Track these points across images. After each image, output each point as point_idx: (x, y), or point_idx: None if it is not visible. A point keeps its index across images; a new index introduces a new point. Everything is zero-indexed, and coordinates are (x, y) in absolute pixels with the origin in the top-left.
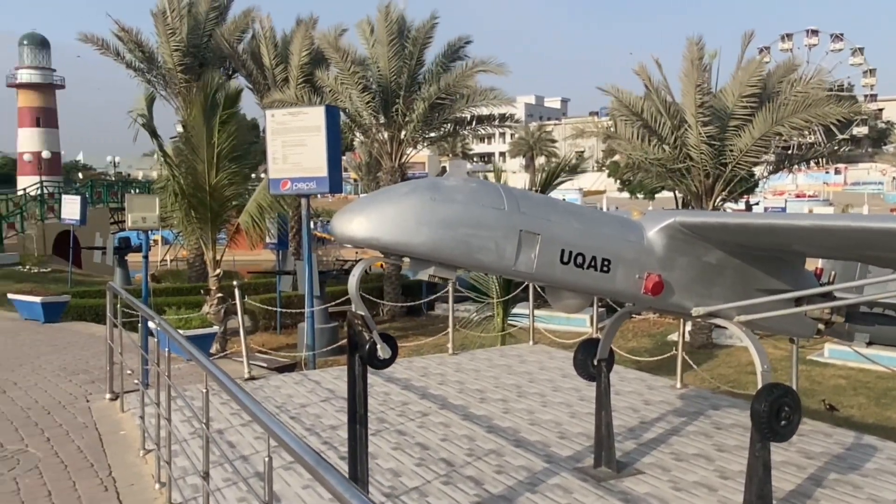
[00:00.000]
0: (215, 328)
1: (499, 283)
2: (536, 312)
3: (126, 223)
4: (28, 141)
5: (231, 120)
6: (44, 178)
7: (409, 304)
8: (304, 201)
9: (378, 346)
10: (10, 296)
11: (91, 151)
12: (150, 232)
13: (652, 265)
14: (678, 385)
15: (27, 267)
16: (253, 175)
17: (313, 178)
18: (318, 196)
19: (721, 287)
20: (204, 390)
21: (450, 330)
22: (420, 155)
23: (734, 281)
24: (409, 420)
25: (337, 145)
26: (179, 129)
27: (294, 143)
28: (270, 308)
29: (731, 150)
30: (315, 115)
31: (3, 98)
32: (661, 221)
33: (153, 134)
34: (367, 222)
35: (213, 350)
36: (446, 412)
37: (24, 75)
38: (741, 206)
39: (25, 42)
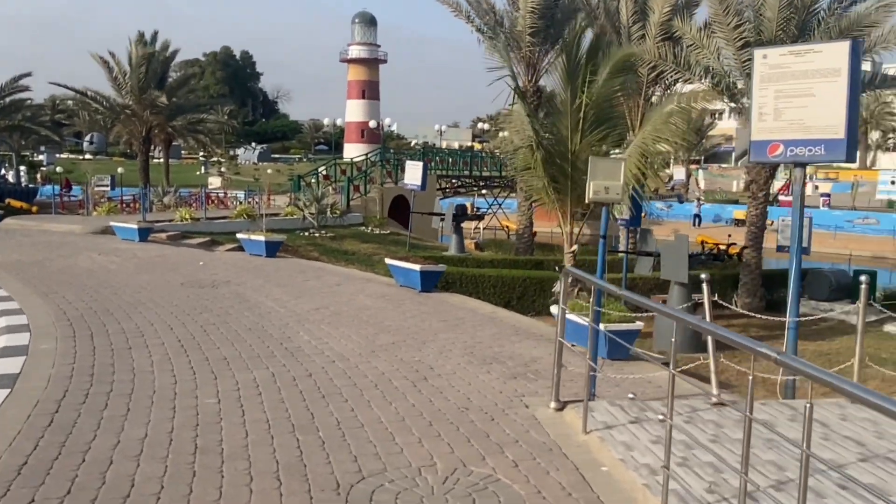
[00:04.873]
0: (639, 325)
1: None
2: None
3: (587, 193)
4: (354, 111)
5: (613, 79)
6: (366, 145)
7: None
8: (798, 172)
9: None
10: (387, 261)
11: (401, 122)
12: (612, 205)
13: None
14: None
15: (369, 228)
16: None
17: (821, 140)
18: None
19: None
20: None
21: None
22: (726, 126)
23: None
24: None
25: (856, 96)
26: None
27: (795, 92)
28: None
29: None
30: (833, 55)
31: (337, 73)
32: None
33: (521, 96)
34: None
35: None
36: None
37: (354, 51)
38: None
39: (357, 20)
